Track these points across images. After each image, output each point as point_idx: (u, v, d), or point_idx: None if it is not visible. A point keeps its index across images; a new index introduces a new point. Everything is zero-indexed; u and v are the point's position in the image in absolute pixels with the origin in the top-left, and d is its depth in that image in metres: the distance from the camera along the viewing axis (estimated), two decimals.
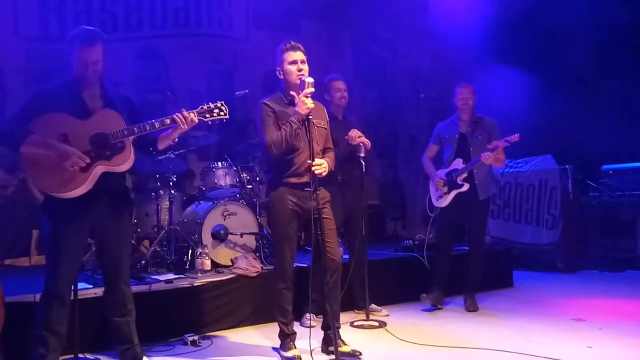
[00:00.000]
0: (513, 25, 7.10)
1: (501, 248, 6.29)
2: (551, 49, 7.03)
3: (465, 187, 4.56)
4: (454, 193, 4.61)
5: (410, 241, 5.60)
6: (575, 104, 6.83)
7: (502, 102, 6.79)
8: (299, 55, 3.38)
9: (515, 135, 4.33)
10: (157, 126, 2.99)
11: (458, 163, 4.62)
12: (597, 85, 6.72)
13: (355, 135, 4.18)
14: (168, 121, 3.00)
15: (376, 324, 4.19)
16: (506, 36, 7.07)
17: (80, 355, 3.36)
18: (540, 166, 6.74)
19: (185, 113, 3.03)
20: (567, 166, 6.56)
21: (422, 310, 4.64)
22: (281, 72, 3.44)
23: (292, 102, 3.37)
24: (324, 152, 3.52)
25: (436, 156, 4.89)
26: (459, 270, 4.77)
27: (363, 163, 4.18)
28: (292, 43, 3.42)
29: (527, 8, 6.87)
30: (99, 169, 2.90)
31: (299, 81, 3.30)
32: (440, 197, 4.70)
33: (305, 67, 3.39)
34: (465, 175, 4.57)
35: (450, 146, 4.73)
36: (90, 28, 3.02)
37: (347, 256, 4.41)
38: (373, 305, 4.49)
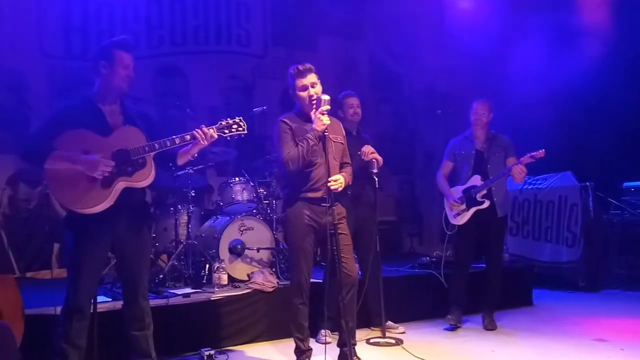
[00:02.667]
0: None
1: (521, 266, 6.21)
2: (570, 65, 6.99)
3: (486, 203, 4.52)
4: (473, 210, 4.56)
5: (427, 258, 5.57)
6: (596, 120, 6.77)
7: (521, 118, 6.77)
8: (309, 80, 3.42)
9: (541, 150, 4.31)
10: (177, 142, 3.03)
11: (476, 180, 4.58)
12: (617, 101, 6.65)
13: (368, 151, 4.19)
14: (188, 137, 3.05)
15: (392, 341, 4.16)
16: (524, 51, 7.05)
17: None
18: (560, 183, 6.66)
19: (205, 129, 3.07)
20: (587, 183, 6.48)
21: (444, 329, 4.56)
22: (294, 96, 3.50)
23: (308, 119, 3.42)
24: (341, 167, 3.54)
25: (450, 173, 4.84)
26: (477, 288, 4.71)
27: (376, 179, 4.19)
28: (300, 68, 3.44)
29: None
30: (121, 185, 2.94)
31: (312, 105, 3.36)
32: (458, 214, 4.65)
33: (318, 87, 3.43)
34: (484, 192, 4.54)
35: (467, 163, 4.69)
36: (127, 37, 3.11)
37: (360, 272, 4.40)
38: (389, 322, 4.46)
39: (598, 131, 6.68)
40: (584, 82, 6.71)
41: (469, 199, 4.59)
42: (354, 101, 4.48)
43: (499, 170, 4.54)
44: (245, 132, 3.18)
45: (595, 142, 6.74)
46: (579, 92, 6.85)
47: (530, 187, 6.90)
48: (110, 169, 2.89)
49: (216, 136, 3.11)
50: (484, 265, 4.80)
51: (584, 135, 6.94)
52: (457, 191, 4.68)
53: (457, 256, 4.78)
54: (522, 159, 4.38)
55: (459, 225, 4.67)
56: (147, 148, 2.97)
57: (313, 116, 3.34)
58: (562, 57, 6.92)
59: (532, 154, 4.34)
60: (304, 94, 3.42)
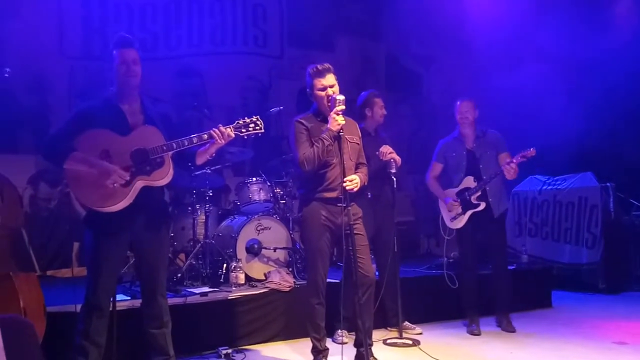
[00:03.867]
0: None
1: (540, 267, 6.14)
2: (593, 64, 6.90)
3: (482, 205, 4.44)
4: (469, 213, 4.49)
5: (445, 259, 5.52)
6: (617, 120, 6.67)
7: (542, 119, 6.70)
8: (327, 81, 3.41)
9: (532, 149, 4.24)
10: (195, 141, 3.05)
11: (469, 181, 4.50)
12: (638, 100, 6.56)
13: (387, 152, 4.16)
14: (205, 136, 3.07)
15: (409, 342, 4.14)
16: (544, 54, 6.99)
17: None
18: (580, 184, 6.58)
19: (222, 128, 3.09)
20: (608, 184, 6.39)
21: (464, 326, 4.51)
22: (311, 95, 3.49)
23: (324, 120, 3.43)
24: (356, 168, 3.53)
25: (439, 175, 4.73)
26: (488, 288, 4.63)
27: (394, 179, 4.17)
28: (319, 67, 3.43)
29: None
30: (139, 184, 2.97)
31: (329, 105, 3.36)
32: (454, 218, 4.57)
33: (335, 88, 3.42)
34: (479, 193, 4.46)
35: (459, 164, 4.59)
36: (126, 34, 3.14)
37: (377, 273, 4.39)
38: (407, 323, 4.45)
39: (619, 131, 6.59)
40: (605, 81, 6.62)
41: (464, 201, 4.50)
42: (382, 102, 4.47)
43: (492, 169, 4.46)
44: (263, 131, 3.19)
45: (617, 142, 6.65)
46: (600, 92, 6.77)
47: (549, 187, 6.82)
48: (124, 181, 2.92)
49: (233, 135, 3.12)
50: (490, 268, 4.66)
51: (605, 136, 6.85)
52: (451, 194, 4.59)
53: (463, 261, 4.67)
54: (514, 158, 4.31)
55: (457, 230, 4.59)
56: (165, 147, 3.00)
57: (328, 117, 3.34)
58: (582, 55, 6.83)
59: (523, 153, 4.26)
60: (321, 93, 3.41)
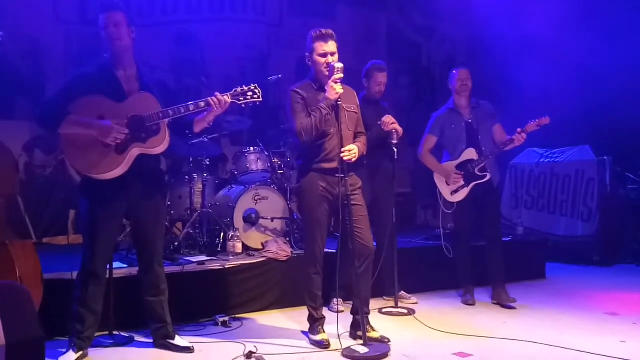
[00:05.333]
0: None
1: (535, 239, 6.18)
2: (591, 37, 6.82)
3: (487, 177, 4.40)
4: (472, 185, 4.43)
5: (441, 230, 5.54)
6: (615, 93, 6.63)
7: (539, 90, 6.65)
8: (329, 47, 3.32)
9: (546, 117, 4.19)
10: (191, 109, 3.02)
11: (472, 153, 4.44)
12: (636, 75, 6.50)
13: (389, 122, 4.09)
14: (202, 104, 3.04)
15: (405, 311, 4.18)
16: (544, 23, 6.89)
17: (115, 332, 3.46)
18: (577, 157, 6.58)
19: (220, 96, 3.05)
20: (605, 157, 6.39)
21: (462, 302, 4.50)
22: (310, 60, 3.42)
23: (321, 88, 3.36)
24: (355, 137, 3.50)
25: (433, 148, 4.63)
26: (481, 259, 4.59)
27: (395, 150, 4.13)
28: (323, 32, 3.33)
29: None
30: (135, 151, 2.95)
31: (327, 72, 3.29)
32: (455, 191, 4.50)
33: (335, 57, 3.33)
34: (483, 165, 4.42)
35: (459, 136, 4.50)
36: None
37: (375, 243, 4.41)
38: (402, 293, 4.49)
39: (617, 105, 6.55)
40: (604, 54, 6.56)
41: (467, 173, 4.45)
42: (382, 78, 4.36)
43: (490, 140, 4.44)
44: (261, 99, 3.16)
45: (614, 116, 6.61)
46: (598, 65, 6.71)
47: (546, 160, 6.83)
48: (124, 136, 2.89)
49: (230, 101, 3.08)
50: (484, 240, 4.60)
51: (602, 109, 6.81)
52: (451, 167, 4.50)
53: (458, 233, 4.63)
54: (527, 126, 4.25)
55: (457, 203, 4.51)
56: (161, 115, 2.97)
57: (326, 85, 3.29)
58: (581, 28, 6.75)
59: (538, 121, 4.21)
60: (321, 59, 3.33)
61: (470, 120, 4.52)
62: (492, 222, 4.53)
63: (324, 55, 3.33)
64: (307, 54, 3.42)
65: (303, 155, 3.53)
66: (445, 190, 4.57)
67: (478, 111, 4.53)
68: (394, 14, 7.98)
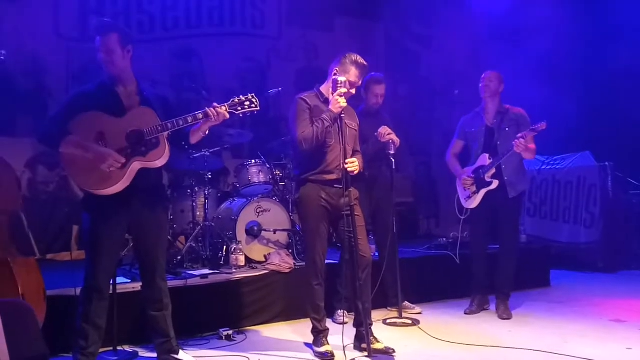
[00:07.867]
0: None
1: (538, 246, 6.15)
2: (593, 42, 6.84)
3: (495, 184, 4.27)
4: (483, 192, 4.32)
5: (444, 239, 5.54)
6: (616, 99, 6.65)
7: (539, 97, 6.67)
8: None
9: (542, 123, 4.02)
10: (190, 121, 3.04)
11: (484, 159, 4.33)
12: (636, 80, 6.52)
13: (385, 133, 4.11)
14: (200, 115, 3.05)
15: (409, 321, 4.17)
16: (544, 32, 6.92)
17: (119, 348, 3.45)
18: (578, 163, 6.58)
19: (217, 107, 3.07)
20: (606, 163, 6.39)
21: (465, 312, 4.46)
22: (332, 73, 3.43)
23: (327, 101, 3.42)
24: (352, 155, 3.51)
25: (462, 152, 4.59)
26: (494, 270, 4.53)
27: (393, 160, 4.14)
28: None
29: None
30: (136, 166, 2.96)
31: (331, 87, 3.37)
32: (469, 197, 4.41)
33: (352, 93, 3.45)
34: (493, 171, 4.28)
35: (477, 140, 4.41)
36: (105, 19, 3.10)
37: (377, 254, 4.41)
38: (406, 303, 4.47)
39: (617, 110, 6.56)
40: (605, 60, 6.58)
41: (478, 180, 4.35)
42: (379, 90, 4.37)
43: (510, 148, 4.28)
44: (258, 108, 3.15)
45: (615, 121, 6.62)
46: (599, 71, 6.73)
47: (548, 167, 6.83)
48: (120, 165, 2.90)
49: (228, 115, 3.09)
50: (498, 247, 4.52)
51: (603, 115, 6.82)
52: (468, 172, 4.43)
53: (472, 241, 4.58)
54: (523, 133, 4.10)
55: (471, 209, 4.44)
56: (160, 127, 2.98)
57: (331, 98, 3.33)
58: (582, 34, 6.78)
59: (534, 127, 4.07)
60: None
61: (491, 125, 4.39)
62: (506, 233, 4.39)
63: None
64: (334, 66, 3.45)
65: (302, 166, 3.54)
66: (462, 196, 4.52)
67: (505, 117, 4.36)
68: (391, 23, 8.01)
